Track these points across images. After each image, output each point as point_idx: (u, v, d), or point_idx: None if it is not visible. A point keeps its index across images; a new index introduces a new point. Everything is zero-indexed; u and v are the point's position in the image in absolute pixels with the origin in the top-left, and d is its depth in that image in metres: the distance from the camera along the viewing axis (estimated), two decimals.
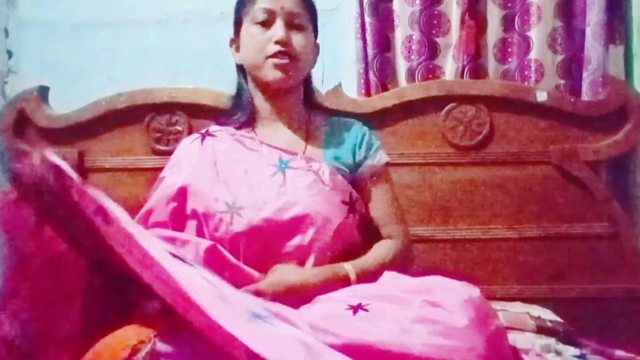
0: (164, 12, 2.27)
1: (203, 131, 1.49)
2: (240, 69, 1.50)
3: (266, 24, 1.42)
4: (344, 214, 1.37)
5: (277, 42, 1.39)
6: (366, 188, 1.46)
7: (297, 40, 1.42)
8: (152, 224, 1.36)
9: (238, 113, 1.48)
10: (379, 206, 1.46)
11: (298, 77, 1.46)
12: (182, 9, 2.25)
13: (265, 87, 1.45)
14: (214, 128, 1.50)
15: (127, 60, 2.24)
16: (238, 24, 1.48)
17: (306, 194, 1.34)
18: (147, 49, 2.25)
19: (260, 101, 1.48)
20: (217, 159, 1.41)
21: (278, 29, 1.40)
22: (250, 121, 1.47)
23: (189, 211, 1.36)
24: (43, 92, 1.98)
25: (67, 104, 1.99)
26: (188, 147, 1.47)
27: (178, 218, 1.37)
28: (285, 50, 1.40)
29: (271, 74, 1.41)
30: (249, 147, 1.43)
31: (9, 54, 2.34)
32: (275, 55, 1.40)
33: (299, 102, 1.51)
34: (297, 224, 1.32)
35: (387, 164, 1.51)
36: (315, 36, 1.51)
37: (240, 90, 1.50)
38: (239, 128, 1.47)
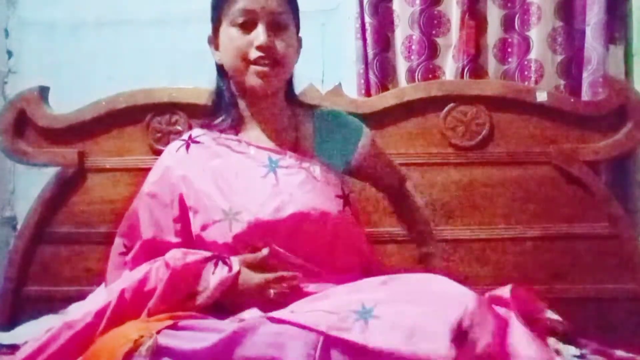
0: (164, 12, 2.27)
1: (186, 137, 1.45)
2: (221, 68, 1.44)
3: (246, 25, 1.34)
4: (340, 207, 1.36)
5: (258, 48, 1.33)
6: (368, 165, 1.52)
7: (280, 41, 1.35)
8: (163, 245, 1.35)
9: (221, 116, 1.43)
10: (386, 168, 1.58)
11: (281, 81, 1.41)
12: (182, 9, 2.25)
13: (246, 91, 1.40)
14: (196, 133, 1.45)
15: (127, 60, 2.25)
16: (216, 22, 1.40)
17: (300, 192, 1.33)
18: (147, 49, 2.25)
19: (242, 103, 1.43)
20: (206, 167, 1.37)
21: (260, 33, 1.33)
22: (233, 124, 1.43)
23: (192, 226, 1.35)
24: (43, 92, 1.98)
25: (67, 104, 1.99)
26: (174, 157, 1.42)
27: (185, 234, 1.36)
28: (268, 55, 1.34)
29: (253, 81, 1.35)
30: (236, 149, 1.39)
31: (9, 54, 2.34)
32: (257, 61, 1.34)
33: (283, 101, 1.46)
34: (296, 221, 1.31)
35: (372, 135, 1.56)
36: (297, 30, 1.44)
37: (220, 91, 1.45)
38: (222, 131, 1.42)
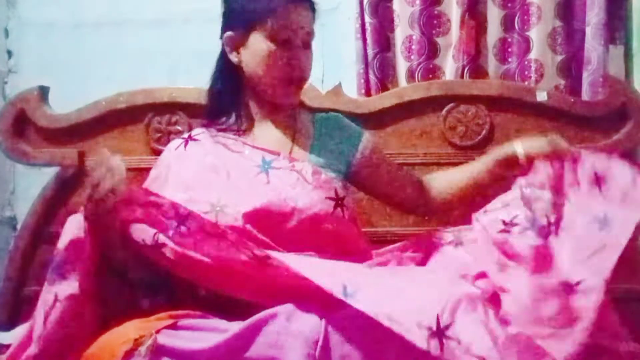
0: (164, 12, 2.28)
1: (186, 136, 1.49)
2: (234, 69, 1.46)
3: (285, 41, 1.39)
4: (330, 209, 1.37)
5: (294, 67, 1.40)
6: (369, 170, 1.52)
7: (308, 58, 1.43)
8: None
9: (224, 116, 1.48)
10: (392, 173, 1.57)
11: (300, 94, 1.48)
12: (182, 9, 2.25)
13: (262, 97, 1.45)
14: (196, 132, 1.49)
15: (127, 60, 2.25)
16: (248, 27, 1.41)
17: (290, 192, 1.35)
18: (147, 49, 2.25)
19: (252, 105, 1.47)
20: (200, 163, 1.41)
21: (298, 52, 1.40)
22: (237, 124, 1.47)
23: None
24: (43, 92, 1.98)
25: (67, 104, 1.99)
26: (172, 155, 1.47)
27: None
28: (300, 75, 1.42)
29: (280, 97, 1.43)
30: (232, 149, 1.43)
31: (9, 54, 2.34)
32: (291, 79, 1.41)
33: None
34: (282, 219, 1.33)
35: (373, 141, 1.57)
36: None
37: (226, 91, 1.48)
38: (221, 130, 1.47)
